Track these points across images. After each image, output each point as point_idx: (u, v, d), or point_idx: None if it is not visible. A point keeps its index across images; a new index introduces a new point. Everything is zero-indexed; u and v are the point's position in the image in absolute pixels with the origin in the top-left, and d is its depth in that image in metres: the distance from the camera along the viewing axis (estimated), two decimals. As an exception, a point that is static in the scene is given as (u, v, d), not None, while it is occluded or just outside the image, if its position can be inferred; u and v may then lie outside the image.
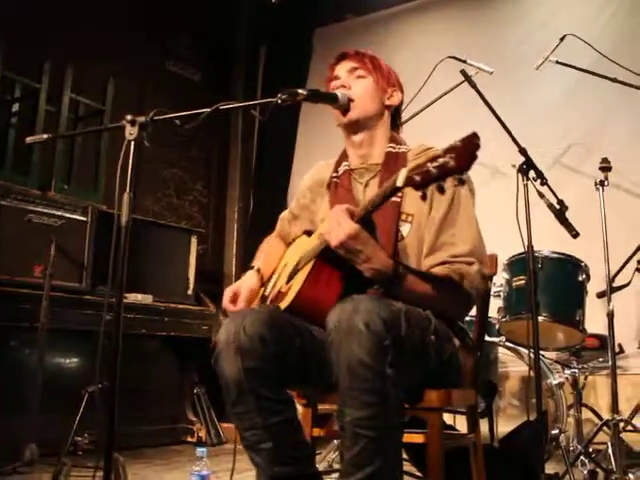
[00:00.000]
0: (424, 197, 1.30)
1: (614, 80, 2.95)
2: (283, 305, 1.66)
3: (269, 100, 1.65)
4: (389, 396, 1.35)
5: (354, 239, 1.46)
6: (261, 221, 4.72)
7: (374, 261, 1.48)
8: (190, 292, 4.04)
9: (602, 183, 2.76)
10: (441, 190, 1.28)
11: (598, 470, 2.67)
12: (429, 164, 1.27)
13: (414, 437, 1.60)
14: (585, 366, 3.13)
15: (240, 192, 5.22)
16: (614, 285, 2.86)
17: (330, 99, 1.73)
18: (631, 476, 2.50)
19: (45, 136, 1.94)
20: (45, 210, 3.16)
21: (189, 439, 3.90)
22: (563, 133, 3.86)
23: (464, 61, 3.09)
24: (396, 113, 1.90)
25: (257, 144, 5.22)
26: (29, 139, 1.95)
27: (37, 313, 2.88)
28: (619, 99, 3.46)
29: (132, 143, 1.78)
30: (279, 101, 1.64)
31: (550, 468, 2.66)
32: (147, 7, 4.60)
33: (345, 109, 1.77)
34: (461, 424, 2.76)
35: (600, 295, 2.87)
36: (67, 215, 3.24)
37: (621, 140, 3.66)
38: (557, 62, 3.05)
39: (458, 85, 2.88)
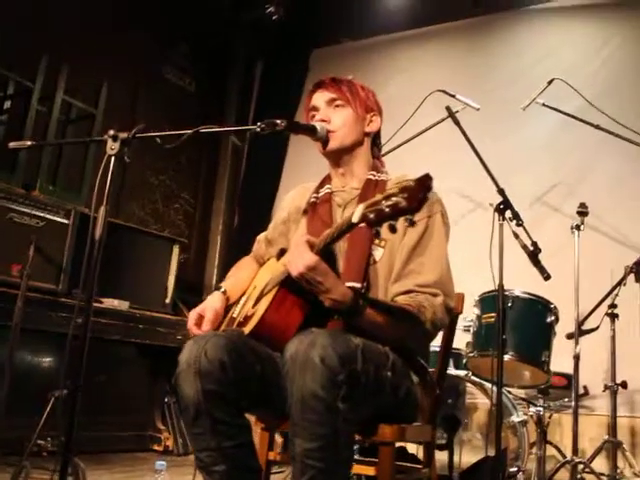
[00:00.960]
0: (377, 235, 1.34)
1: (597, 127, 3.02)
2: (247, 330, 1.68)
3: (248, 128, 1.69)
4: (339, 430, 1.37)
5: (313, 271, 1.49)
6: (244, 237, 4.74)
7: (333, 292, 1.51)
8: (168, 301, 4.05)
9: (578, 227, 2.81)
10: (393, 230, 1.31)
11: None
12: (383, 202, 1.30)
13: (366, 469, 1.63)
14: (552, 404, 3.17)
15: (226, 205, 5.24)
16: (584, 328, 2.92)
17: (309, 131, 1.77)
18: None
19: (28, 143, 1.97)
20: (27, 210, 3.17)
21: (156, 447, 3.90)
22: (546, 173, 3.93)
23: (453, 96, 3.13)
24: (376, 140, 1.91)
25: (246, 159, 5.25)
26: (12, 144, 1.97)
27: (12, 312, 2.89)
28: (603, 144, 3.52)
29: (112, 158, 1.79)
30: (258, 129, 1.67)
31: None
32: (147, 12, 4.62)
33: (325, 140, 1.80)
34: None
35: (569, 336, 2.92)
36: (49, 217, 3.25)
37: (602, 184, 3.73)
38: (543, 104, 3.11)
39: (442, 121, 2.92)
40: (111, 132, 1.82)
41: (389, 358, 1.58)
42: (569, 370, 3.21)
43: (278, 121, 1.66)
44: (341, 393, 1.36)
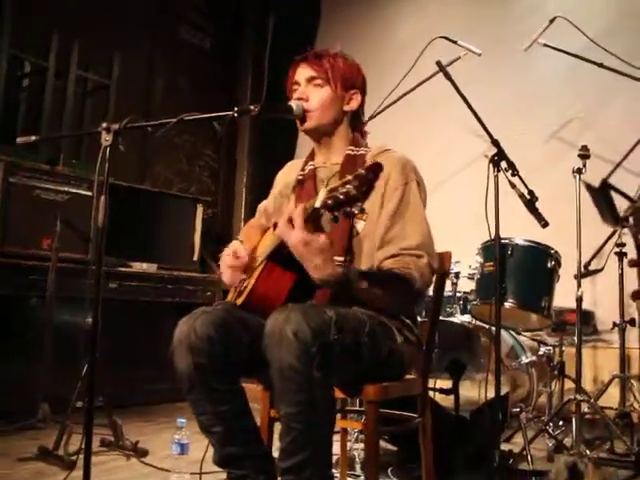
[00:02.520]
0: (336, 220, 1.43)
1: (600, 65, 2.96)
2: (239, 302, 1.82)
3: (225, 114, 1.78)
4: (316, 395, 1.51)
5: (305, 245, 1.54)
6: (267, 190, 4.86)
7: (322, 270, 1.57)
8: (195, 259, 4.23)
9: (579, 171, 2.81)
10: (347, 216, 1.41)
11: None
12: (340, 189, 1.40)
13: (352, 424, 1.78)
14: (566, 341, 3.25)
15: (248, 158, 5.35)
16: (591, 269, 2.98)
17: (285, 112, 1.85)
18: (588, 452, 2.65)
19: (33, 138, 2.10)
20: (51, 186, 3.35)
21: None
22: (558, 110, 3.89)
23: (455, 42, 3.11)
24: (357, 115, 1.96)
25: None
26: (19, 140, 2.11)
27: (46, 283, 3.12)
28: (614, 82, 3.44)
29: (108, 149, 1.91)
30: (235, 115, 1.77)
31: (514, 443, 2.84)
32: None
33: (302, 118, 1.88)
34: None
35: (576, 277, 2.97)
36: (73, 190, 3.43)
37: (617, 118, 3.68)
38: (545, 45, 3.06)
39: (433, 75, 2.91)
40: (104, 125, 1.93)
41: (366, 325, 1.69)
42: (584, 306, 3.30)
43: (251, 107, 1.75)
44: (315, 363, 1.48)
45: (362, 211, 1.40)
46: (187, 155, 5.10)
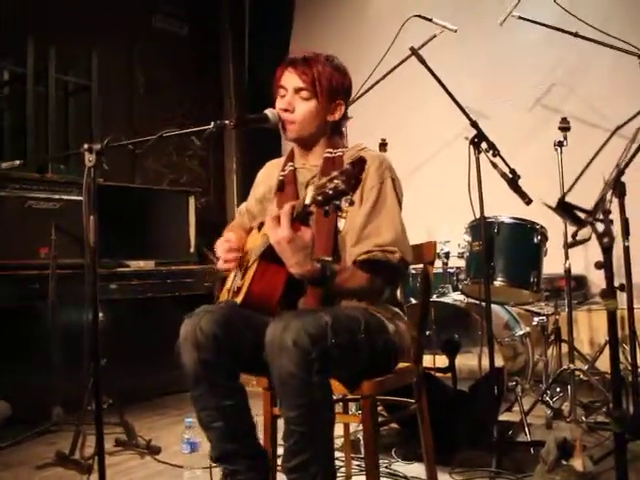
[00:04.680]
0: (326, 214, 1.51)
1: (575, 35, 2.97)
2: (238, 301, 1.88)
3: (203, 128, 1.82)
4: (316, 398, 1.58)
5: (289, 243, 1.62)
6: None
7: (302, 266, 1.66)
8: (192, 250, 4.27)
9: (561, 144, 2.84)
10: (337, 209, 1.49)
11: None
12: (328, 184, 1.48)
13: (350, 418, 1.85)
14: (561, 308, 3.32)
15: (236, 142, 5.36)
16: (578, 239, 3.02)
17: (261, 121, 1.88)
18: (584, 418, 2.75)
19: (17, 162, 2.14)
20: (43, 195, 3.36)
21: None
22: (539, 79, 3.90)
23: (430, 19, 3.12)
24: (339, 122, 1.99)
25: (250, 99, 5.31)
26: (4, 165, 2.16)
27: (47, 291, 3.18)
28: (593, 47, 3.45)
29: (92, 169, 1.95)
30: (214, 130, 1.81)
31: (516, 412, 2.92)
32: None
33: (282, 127, 1.92)
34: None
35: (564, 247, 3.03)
36: (64, 197, 3.44)
37: (599, 81, 3.69)
38: (520, 17, 3.07)
39: (406, 59, 2.92)
40: (85, 146, 1.97)
41: (361, 321, 1.76)
42: (577, 271, 3.36)
43: (227, 121, 1.79)
44: (314, 368, 1.56)
45: (352, 203, 1.48)
46: (175, 146, 5.10)
